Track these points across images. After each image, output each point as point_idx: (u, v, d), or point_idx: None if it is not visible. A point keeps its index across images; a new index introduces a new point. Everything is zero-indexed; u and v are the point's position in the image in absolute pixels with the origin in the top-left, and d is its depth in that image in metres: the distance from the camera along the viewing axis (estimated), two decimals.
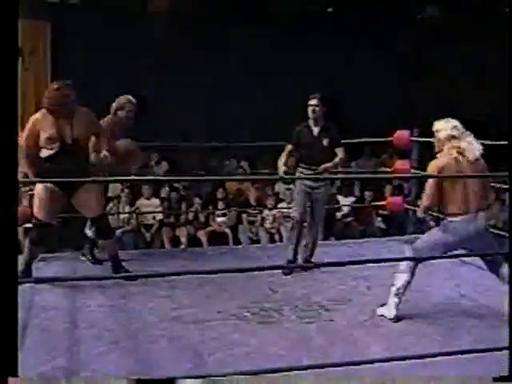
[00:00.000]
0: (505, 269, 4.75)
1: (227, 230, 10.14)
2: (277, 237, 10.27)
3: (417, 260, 4.84)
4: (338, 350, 4.36)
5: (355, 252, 7.13)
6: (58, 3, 10.56)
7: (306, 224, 6.43)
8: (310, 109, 6.26)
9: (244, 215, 10.39)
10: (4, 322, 2.64)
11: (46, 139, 5.47)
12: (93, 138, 5.75)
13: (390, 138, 7.69)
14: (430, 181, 4.76)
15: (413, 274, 4.89)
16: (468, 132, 4.79)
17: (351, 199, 10.80)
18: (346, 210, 10.56)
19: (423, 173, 6.71)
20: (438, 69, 12.11)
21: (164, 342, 4.51)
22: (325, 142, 6.25)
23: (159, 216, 9.86)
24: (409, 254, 4.96)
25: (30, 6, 9.62)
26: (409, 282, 4.91)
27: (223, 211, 10.21)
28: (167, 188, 10.56)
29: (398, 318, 4.92)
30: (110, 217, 9.13)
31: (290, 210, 10.33)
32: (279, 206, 10.45)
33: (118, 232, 9.48)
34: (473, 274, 6.10)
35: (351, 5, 11.48)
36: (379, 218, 10.42)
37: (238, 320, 4.94)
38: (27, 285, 5.39)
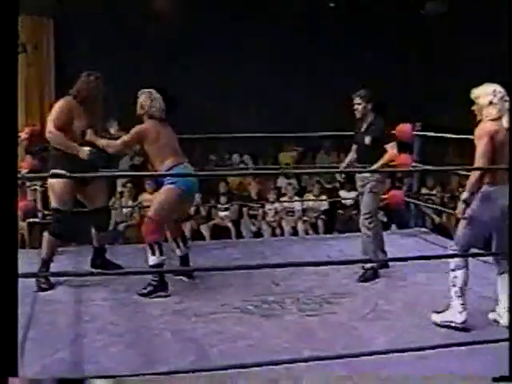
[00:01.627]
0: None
1: (229, 224, 10.16)
2: (278, 231, 10.28)
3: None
4: (339, 343, 4.35)
5: (357, 245, 7.07)
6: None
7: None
8: (354, 107, 6.06)
9: (246, 209, 10.40)
10: (4, 323, 2.61)
11: (75, 130, 5.47)
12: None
13: (392, 132, 7.64)
14: (483, 147, 4.43)
15: (468, 268, 4.59)
16: (506, 97, 4.55)
17: (354, 194, 10.78)
18: (348, 204, 10.56)
19: (425, 167, 6.72)
20: None
21: (167, 335, 4.50)
22: (366, 139, 5.97)
23: None
24: (453, 252, 4.65)
25: (33, 2, 9.63)
26: (467, 280, 4.59)
27: (225, 205, 10.22)
28: None
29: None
30: (113, 211, 9.20)
31: (293, 204, 10.51)
32: (281, 199, 10.47)
33: (121, 226, 9.51)
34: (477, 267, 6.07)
35: None
36: (381, 212, 10.39)
37: (241, 313, 4.93)
38: (33, 279, 5.41)
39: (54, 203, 5.57)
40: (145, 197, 9.93)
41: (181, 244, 5.70)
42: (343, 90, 10.50)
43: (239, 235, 10.06)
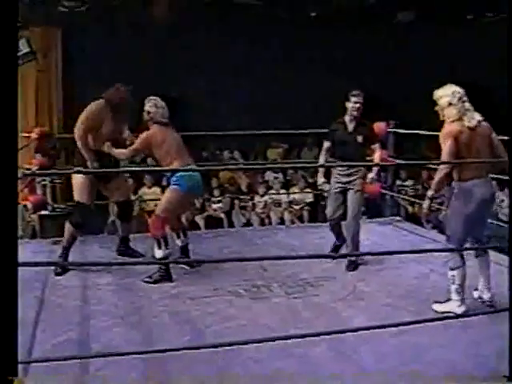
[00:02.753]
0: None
1: (222, 215, 10.18)
2: (266, 221, 10.30)
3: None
4: (322, 322, 4.36)
5: None
6: (67, 11, 10.50)
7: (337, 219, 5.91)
8: (353, 106, 5.72)
9: (237, 201, 10.41)
10: (4, 323, 2.55)
11: (101, 133, 5.49)
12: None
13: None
14: (448, 148, 4.32)
15: (465, 265, 4.47)
16: (465, 98, 4.43)
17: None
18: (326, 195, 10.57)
19: (399, 161, 6.72)
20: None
21: (165, 316, 4.50)
22: (359, 139, 5.74)
23: None
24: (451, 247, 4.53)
25: (42, 14, 9.62)
26: (464, 276, 4.48)
27: (218, 198, 10.23)
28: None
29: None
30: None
31: (280, 196, 10.54)
32: (269, 192, 10.50)
33: None
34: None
35: None
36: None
37: (233, 296, 4.93)
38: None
39: (76, 196, 5.61)
40: (144, 190, 9.93)
41: (181, 235, 5.66)
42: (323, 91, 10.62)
43: (231, 225, 10.08)
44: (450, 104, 4.40)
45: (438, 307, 4.58)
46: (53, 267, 5.51)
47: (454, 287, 4.49)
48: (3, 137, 2.61)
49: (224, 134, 8.93)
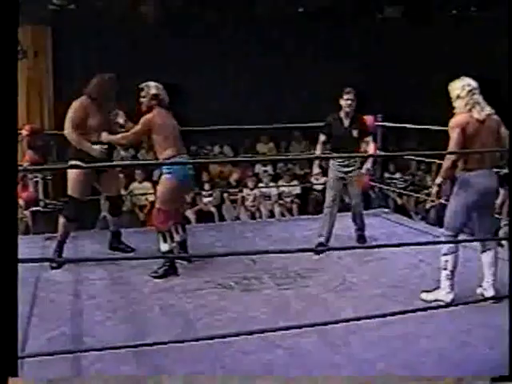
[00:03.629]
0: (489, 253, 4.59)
1: (213, 209, 10.15)
2: (257, 214, 10.29)
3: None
4: (312, 313, 4.35)
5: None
6: (57, 9, 10.46)
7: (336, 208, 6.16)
8: (345, 102, 6.02)
9: (227, 195, 10.39)
10: (4, 323, 2.53)
11: (90, 126, 5.48)
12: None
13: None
14: (455, 138, 4.39)
15: (458, 252, 4.52)
16: (477, 91, 4.47)
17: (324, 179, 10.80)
18: (319, 189, 10.60)
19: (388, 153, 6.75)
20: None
21: (157, 310, 4.48)
22: (355, 133, 6.06)
23: (151, 197, 9.81)
24: (445, 238, 4.55)
25: (32, 12, 9.56)
26: (456, 263, 4.52)
27: (209, 192, 10.20)
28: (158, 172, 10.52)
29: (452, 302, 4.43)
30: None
31: (269, 190, 10.52)
32: (259, 185, 10.48)
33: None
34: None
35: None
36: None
37: (224, 288, 4.91)
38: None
39: (69, 191, 5.57)
40: (135, 185, 9.90)
41: (180, 230, 5.58)
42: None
43: (222, 219, 10.05)
44: (459, 96, 4.47)
45: (426, 296, 4.59)
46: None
47: (444, 273, 4.51)
48: (3, 135, 2.59)
49: (213, 129, 8.86)
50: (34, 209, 8.12)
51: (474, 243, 4.97)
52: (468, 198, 4.45)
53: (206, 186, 10.22)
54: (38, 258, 5.37)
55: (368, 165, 6.16)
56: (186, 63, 11.03)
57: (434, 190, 4.63)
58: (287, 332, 3.67)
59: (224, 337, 3.47)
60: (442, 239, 4.63)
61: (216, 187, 10.34)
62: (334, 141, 6.15)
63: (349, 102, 6.01)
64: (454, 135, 4.39)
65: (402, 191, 10.11)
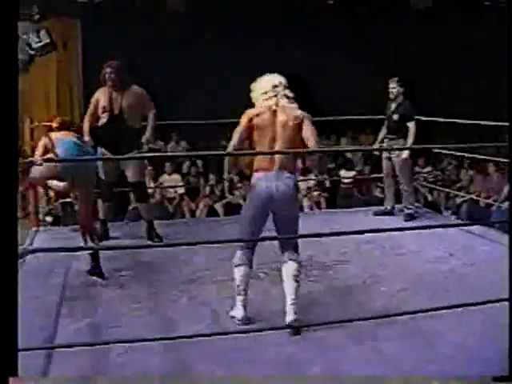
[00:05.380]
0: None
1: (241, 201, 10.11)
2: None
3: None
4: (339, 306, 4.32)
5: (357, 218, 7.00)
6: (86, 2, 10.52)
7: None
8: (390, 90, 6.86)
9: None
10: (4, 323, 2.53)
11: (101, 109, 5.83)
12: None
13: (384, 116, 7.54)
14: (241, 123, 4.02)
15: (251, 265, 4.10)
16: (284, 91, 4.05)
17: (352, 173, 10.75)
18: (347, 182, 10.54)
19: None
20: None
21: (184, 301, 4.49)
22: (395, 116, 6.83)
23: (180, 190, 9.85)
24: (239, 250, 4.10)
25: (61, 5, 9.64)
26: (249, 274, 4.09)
27: (237, 184, 10.19)
28: (188, 164, 10.56)
29: (247, 320, 3.99)
30: None
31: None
32: None
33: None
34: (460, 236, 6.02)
35: None
36: (378, 189, 10.33)
37: (252, 279, 4.86)
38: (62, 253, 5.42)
39: (100, 173, 5.80)
40: (164, 177, 9.94)
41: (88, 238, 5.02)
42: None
43: None
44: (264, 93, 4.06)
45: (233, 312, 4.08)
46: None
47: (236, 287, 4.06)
48: (3, 131, 2.60)
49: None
50: (64, 200, 8.20)
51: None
52: (252, 204, 4.05)
53: (235, 179, 10.19)
54: (62, 248, 5.44)
55: (405, 155, 6.76)
56: (207, 54, 11.01)
57: None
58: (313, 327, 3.65)
59: (251, 331, 3.45)
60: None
61: (245, 179, 10.29)
62: (386, 122, 7.05)
63: (390, 89, 6.86)
64: (241, 123, 4.04)
65: (432, 186, 9.99)
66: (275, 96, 4.03)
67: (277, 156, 3.94)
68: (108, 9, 10.46)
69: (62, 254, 5.43)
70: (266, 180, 3.93)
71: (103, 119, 5.84)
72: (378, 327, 3.80)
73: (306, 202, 10.32)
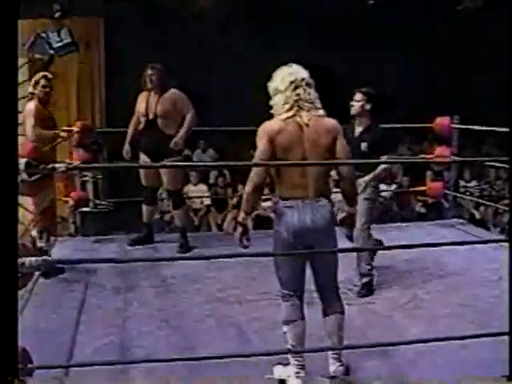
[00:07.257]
0: None
1: (271, 214, 10.13)
2: None
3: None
4: (376, 332, 4.33)
5: (395, 235, 6.98)
6: (109, 0, 10.66)
7: None
8: (353, 103, 5.19)
9: None
10: (4, 323, 2.60)
11: (140, 113, 6.17)
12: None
13: (430, 125, 7.51)
14: (259, 150, 3.48)
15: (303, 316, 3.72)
16: (308, 91, 3.50)
17: (393, 186, 10.70)
18: (387, 196, 10.51)
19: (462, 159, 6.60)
20: None
21: (210, 320, 4.54)
22: (363, 146, 5.12)
23: (207, 201, 9.92)
24: (282, 299, 3.75)
25: (84, 3, 9.75)
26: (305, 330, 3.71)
27: (267, 196, 10.20)
28: (215, 173, 10.64)
29: None
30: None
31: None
32: None
33: (167, 216, 9.57)
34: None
35: None
36: (419, 203, 10.28)
37: None
38: (83, 266, 5.52)
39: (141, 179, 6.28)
40: (190, 188, 10.01)
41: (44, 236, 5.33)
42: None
43: None
44: (278, 90, 3.52)
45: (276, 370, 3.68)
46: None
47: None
48: (3, 133, 2.67)
49: None
50: (84, 209, 8.30)
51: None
52: (281, 239, 3.70)
53: (265, 190, 10.21)
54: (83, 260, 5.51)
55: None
56: (235, 56, 11.11)
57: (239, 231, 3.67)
58: (347, 352, 3.66)
59: (280, 353, 3.48)
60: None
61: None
62: None
63: (352, 102, 5.20)
64: (260, 146, 3.48)
65: (478, 200, 9.90)
66: (297, 102, 3.46)
67: (310, 179, 3.49)
68: (132, 7, 10.59)
69: (80, 267, 5.53)
70: (298, 211, 3.53)
71: (141, 124, 6.15)
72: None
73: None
